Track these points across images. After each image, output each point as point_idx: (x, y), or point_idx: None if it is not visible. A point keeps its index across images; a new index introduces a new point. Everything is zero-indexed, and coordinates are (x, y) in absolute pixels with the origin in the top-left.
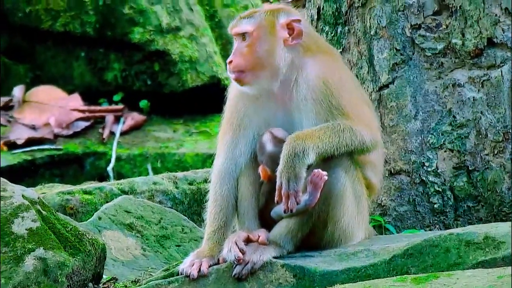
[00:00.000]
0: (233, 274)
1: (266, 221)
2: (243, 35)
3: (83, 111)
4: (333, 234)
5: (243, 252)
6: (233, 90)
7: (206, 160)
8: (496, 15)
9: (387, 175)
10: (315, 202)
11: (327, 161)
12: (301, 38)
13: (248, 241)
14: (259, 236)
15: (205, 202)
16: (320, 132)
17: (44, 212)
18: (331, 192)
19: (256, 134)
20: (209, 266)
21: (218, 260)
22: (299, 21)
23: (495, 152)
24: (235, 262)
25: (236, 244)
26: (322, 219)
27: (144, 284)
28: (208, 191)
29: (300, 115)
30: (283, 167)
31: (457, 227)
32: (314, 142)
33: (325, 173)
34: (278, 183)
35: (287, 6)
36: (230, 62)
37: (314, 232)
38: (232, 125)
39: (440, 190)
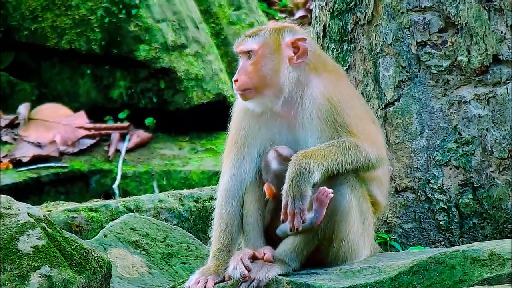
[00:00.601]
0: None
1: (272, 239)
2: (248, 53)
3: (88, 129)
4: (338, 251)
5: (248, 270)
6: (238, 108)
7: (212, 177)
8: (501, 32)
9: (392, 192)
10: (321, 219)
11: (332, 178)
12: (306, 57)
13: (253, 258)
14: (264, 254)
15: (211, 220)
16: (326, 150)
17: (49, 230)
18: (337, 210)
19: (261, 152)
20: (215, 284)
21: (224, 277)
22: (304, 39)
23: (501, 169)
24: (241, 279)
25: (242, 261)
26: (328, 237)
27: None
28: (214, 208)
29: (305, 133)
30: (289, 186)
31: (462, 244)
32: (319, 160)
33: (330, 190)
34: (283, 202)
35: (293, 24)
36: (236, 80)
37: (320, 249)
38: (237, 143)
39: (446, 207)
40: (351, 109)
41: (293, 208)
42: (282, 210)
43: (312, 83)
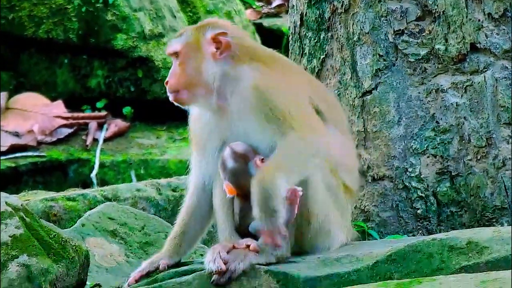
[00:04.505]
0: (211, 281)
1: (246, 236)
2: (175, 55)
3: (66, 118)
4: (311, 230)
5: (225, 262)
6: (191, 111)
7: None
8: (479, 20)
9: (370, 181)
10: (294, 217)
11: None
12: (231, 50)
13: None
14: (247, 245)
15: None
16: (284, 164)
17: (27, 219)
18: (305, 195)
19: (217, 149)
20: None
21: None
22: (225, 34)
23: (478, 158)
24: (215, 273)
25: (220, 254)
26: (305, 217)
27: None
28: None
29: (245, 126)
30: (259, 210)
31: (440, 233)
32: (283, 175)
33: (300, 188)
34: (260, 227)
35: (217, 19)
36: (167, 83)
37: (298, 236)
38: (196, 144)
39: (423, 195)
40: (284, 96)
41: (269, 228)
42: (262, 234)
43: (241, 75)
